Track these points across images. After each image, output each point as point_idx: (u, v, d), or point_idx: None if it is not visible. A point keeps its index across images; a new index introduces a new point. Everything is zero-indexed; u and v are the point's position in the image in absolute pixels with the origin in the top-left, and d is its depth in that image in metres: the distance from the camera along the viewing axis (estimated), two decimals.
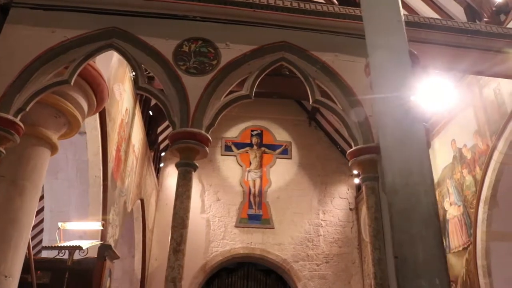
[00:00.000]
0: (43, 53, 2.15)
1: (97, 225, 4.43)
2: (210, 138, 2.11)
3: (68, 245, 3.89)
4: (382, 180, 2.00)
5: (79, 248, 3.84)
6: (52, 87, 2.14)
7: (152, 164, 10.38)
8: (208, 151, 2.12)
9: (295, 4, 2.31)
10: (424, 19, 2.66)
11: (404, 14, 2.93)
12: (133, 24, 2.28)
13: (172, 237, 1.88)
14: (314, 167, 11.92)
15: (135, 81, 2.17)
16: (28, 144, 2.40)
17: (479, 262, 7.01)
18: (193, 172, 2.03)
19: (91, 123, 6.66)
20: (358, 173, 9.13)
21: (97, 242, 4.09)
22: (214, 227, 11.17)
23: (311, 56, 2.28)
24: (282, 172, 11.88)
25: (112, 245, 7.68)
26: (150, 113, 10.00)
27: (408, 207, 1.25)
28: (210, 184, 11.63)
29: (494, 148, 6.79)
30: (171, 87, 2.16)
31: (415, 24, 2.58)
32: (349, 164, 2.27)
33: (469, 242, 7.31)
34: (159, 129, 10.70)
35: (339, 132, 12.19)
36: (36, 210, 2.50)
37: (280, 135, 12.42)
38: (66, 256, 3.90)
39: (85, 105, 2.70)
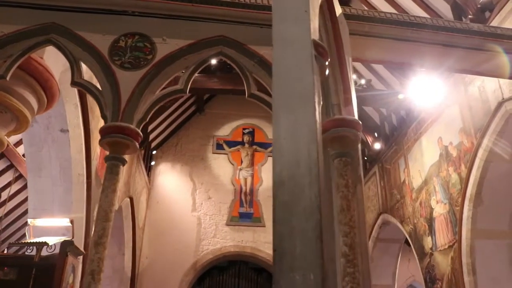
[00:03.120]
0: None
1: (65, 222, 4.45)
2: (140, 132, 2.11)
3: (35, 241, 3.91)
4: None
5: (46, 244, 3.86)
6: None
7: (142, 162, 10.39)
8: (137, 146, 2.12)
9: None
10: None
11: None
12: (71, 20, 2.29)
13: (94, 230, 1.89)
14: None
15: (71, 76, 2.18)
16: None
17: (464, 260, 6.98)
18: (121, 167, 2.03)
19: (74, 121, 6.69)
20: None
21: (64, 239, 4.11)
22: (205, 225, 11.18)
23: (249, 50, 2.27)
24: None
25: None
26: None
27: (291, 200, 1.23)
28: (201, 183, 11.64)
29: (478, 146, 6.76)
30: (106, 82, 2.16)
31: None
32: None
33: (455, 240, 7.28)
34: (150, 127, 10.71)
35: None
36: None
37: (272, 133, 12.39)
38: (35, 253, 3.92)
39: (33, 101, 2.71)
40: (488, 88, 6.68)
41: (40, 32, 2.27)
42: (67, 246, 3.73)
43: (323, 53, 1.49)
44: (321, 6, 1.94)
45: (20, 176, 8.58)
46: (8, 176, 8.58)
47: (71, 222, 4.35)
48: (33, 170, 6.78)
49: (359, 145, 1.95)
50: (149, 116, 2.17)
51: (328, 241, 1.21)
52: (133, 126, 2.06)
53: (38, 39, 2.26)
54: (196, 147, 12.08)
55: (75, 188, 6.65)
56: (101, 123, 7.29)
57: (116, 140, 2.02)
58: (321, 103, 1.41)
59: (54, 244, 3.94)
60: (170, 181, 11.64)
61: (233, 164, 11.88)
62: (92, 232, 1.88)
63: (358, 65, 9.85)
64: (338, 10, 2.13)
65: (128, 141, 2.03)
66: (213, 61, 7.76)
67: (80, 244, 6.75)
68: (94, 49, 2.22)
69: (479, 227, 7.03)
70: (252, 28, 2.30)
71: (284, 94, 1.36)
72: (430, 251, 8.03)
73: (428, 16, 8.13)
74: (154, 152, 11.77)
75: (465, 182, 7.06)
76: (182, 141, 12.15)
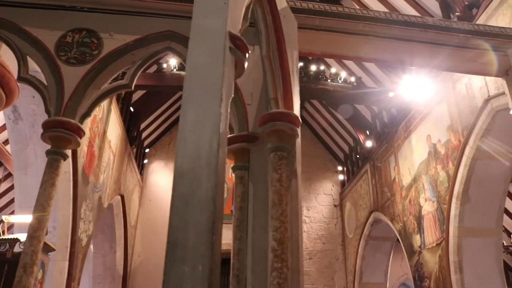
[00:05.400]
0: None
1: None
2: (82, 127, 2.11)
3: (8, 238, 3.94)
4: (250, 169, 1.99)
5: (18, 241, 3.88)
6: None
7: (134, 160, 10.41)
8: (80, 141, 2.12)
9: None
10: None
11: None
12: (19, 15, 2.29)
13: (30, 224, 1.89)
14: None
15: (18, 72, 2.18)
16: None
17: (451, 258, 6.96)
18: (62, 161, 2.03)
19: None
20: (343, 169, 9.01)
21: None
22: None
23: None
24: None
25: (85, 240, 7.75)
26: (131, 109, 10.04)
27: (189, 191, 1.23)
28: None
29: (465, 144, 6.73)
30: (51, 77, 2.17)
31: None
32: None
33: (442, 238, 7.25)
34: (142, 126, 10.74)
35: (324, 129, 12.13)
36: None
37: None
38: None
39: None
40: (474, 85, 6.65)
41: None
42: None
43: (241, 46, 1.48)
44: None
45: (9, 175, 8.63)
46: None
47: None
48: (19, 168, 6.82)
49: (298, 140, 1.94)
50: (93, 111, 2.17)
51: (220, 233, 1.20)
52: (74, 121, 2.06)
53: None
54: None
55: (61, 186, 6.67)
56: (88, 120, 7.29)
57: (57, 135, 2.02)
58: (232, 95, 1.39)
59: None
60: (163, 179, 11.66)
61: (226, 162, 11.86)
62: (28, 226, 1.88)
63: (349, 63, 9.81)
64: (282, 3, 2.11)
65: (70, 136, 2.03)
66: None
67: (66, 241, 6.78)
68: (40, 45, 2.23)
69: (466, 225, 7.00)
70: None
71: (193, 85, 1.35)
72: (419, 249, 8.01)
73: (412, 13, 8.08)
74: (147, 150, 11.79)
75: (452, 180, 7.03)
76: (175, 139, 12.12)
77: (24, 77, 2.21)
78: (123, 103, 9.48)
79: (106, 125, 8.25)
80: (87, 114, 2.14)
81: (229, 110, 1.33)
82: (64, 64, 2.18)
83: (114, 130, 8.78)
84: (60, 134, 2.02)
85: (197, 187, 1.20)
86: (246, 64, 1.53)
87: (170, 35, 2.31)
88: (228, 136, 2.12)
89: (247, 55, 1.52)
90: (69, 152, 2.07)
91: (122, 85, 2.28)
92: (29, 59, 2.23)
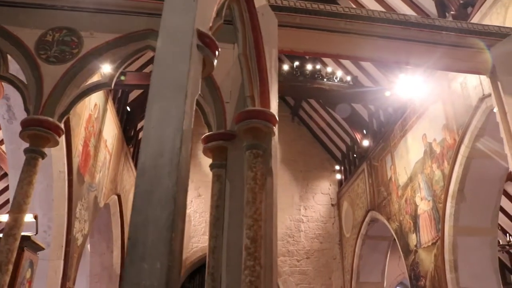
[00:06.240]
0: None
1: (29, 217, 4.46)
2: (60, 125, 2.12)
3: None
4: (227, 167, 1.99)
5: None
6: None
7: (131, 159, 10.42)
8: (58, 140, 2.12)
9: None
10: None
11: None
12: (0, 14, 2.30)
13: (6, 222, 1.89)
14: (296, 163, 11.86)
15: None
16: None
17: (446, 257, 6.95)
18: (40, 159, 2.04)
19: None
20: (340, 168, 8.99)
21: (28, 234, 4.13)
22: (195, 222, 11.20)
23: None
24: None
25: (81, 239, 7.76)
26: (128, 109, 10.05)
27: (150, 189, 1.23)
28: (192, 180, 11.65)
29: (460, 142, 6.71)
30: (31, 76, 2.17)
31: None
32: (202, 151, 2.27)
33: (438, 237, 7.24)
34: (139, 125, 10.74)
35: (322, 128, 12.11)
36: None
37: None
38: None
39: None
40: (469, 84, 6.63)
41: None
42: (23, 242, 3.75)
43: (210, 43, 1.48)
44: None
45: (6, 174, 8.65)
46: None
47: (35, 217, 4.38)
48: (14, 168, 6.83)
49: (274, 137, 1.94)
50: (71, 110, 2.17)
51: (182, 231, 1.20)
52: (52, 119, 2.06)
53: None
54: None
55: (56, 185, 6.68)
56: (83, 120, 7.30)
57: (35, 133, 2.03)
58: (199, 92, 1.39)
59: None
60: None
61: None
62: (5, 224, 1.89)
63: (346, 62, 9.79)
64: (261, 1, 2.11)
65: (48, 134, 2.04)
66: None
67: (61, 240, 6.79)
68: (20, 43, 2.23)
69: (462, 224, 6.98)
70: None
71: (159, 83, 1.35)
72: (415, 248, 8.00)
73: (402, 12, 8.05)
74: None
75: (448, 179, 7.02)
76: None
77: (4, 76, 2.22)
78: (120, 103, 9.49)
79: (102, 124, 8.26)
80: (66, 112, 2.14)
81: (194, 107, 1.33)
82: (44, 63, 2.19)
83: (110, 129, 8.78)
84: (38, 133, 2.02)
85: (158, 185, 1.20)
86: (215, 62, 1.53)
87: (150, 33, 2.31)
88: (206, 134, 2.13)
89: (216, 53, 1.52)
90: (47, 150, 2.08)
91: (102, 84, 2.28)
92: (9, 57, 2.25)
